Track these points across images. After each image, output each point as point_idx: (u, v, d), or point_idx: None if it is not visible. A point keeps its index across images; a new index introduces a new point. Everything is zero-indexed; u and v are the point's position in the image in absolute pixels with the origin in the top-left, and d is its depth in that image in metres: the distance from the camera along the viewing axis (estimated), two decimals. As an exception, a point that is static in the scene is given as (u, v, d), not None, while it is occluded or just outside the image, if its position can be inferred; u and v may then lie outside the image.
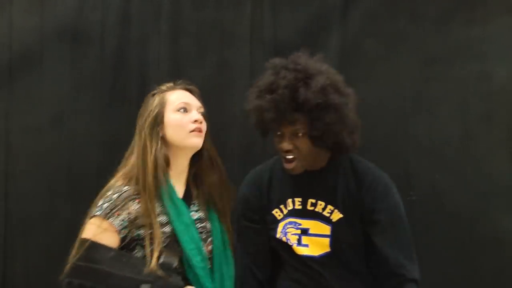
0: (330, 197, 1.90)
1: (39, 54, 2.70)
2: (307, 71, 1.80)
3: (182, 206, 1.92)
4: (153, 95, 2.01)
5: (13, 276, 2.67)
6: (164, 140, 1.94)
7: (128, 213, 1.87)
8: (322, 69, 1.83)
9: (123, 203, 1.89)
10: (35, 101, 2.70)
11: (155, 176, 1.88)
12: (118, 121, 2.65)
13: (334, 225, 1.89)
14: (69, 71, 2.69)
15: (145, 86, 2.64)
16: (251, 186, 2.02)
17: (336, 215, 1.89)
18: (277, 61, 1.88)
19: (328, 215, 1.90)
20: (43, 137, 2.68)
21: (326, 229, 1.89)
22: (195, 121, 1.94)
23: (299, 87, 1.76)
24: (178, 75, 2.60)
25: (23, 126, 2.70)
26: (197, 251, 1.89)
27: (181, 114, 1.95)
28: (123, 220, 1.87)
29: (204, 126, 1.97)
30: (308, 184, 1.93)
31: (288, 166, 1.87)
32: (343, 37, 2.50)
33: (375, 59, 2.48)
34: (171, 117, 1.95)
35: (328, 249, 1.89)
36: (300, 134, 1.81)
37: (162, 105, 1.97)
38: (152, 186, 1.88)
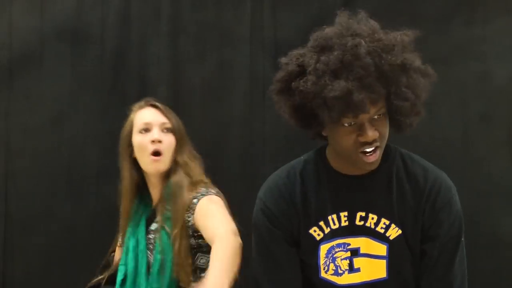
0: (383, 208, 1.53)
1: (39, 54, 2.70)
2: (381, 38, 1.46)
3: (139, 228, 1.98)
4: (128, 116, 2.04)
5: (13, 276, 2.67)
6: (136, 162, 1.98)
7: None
8: (387, 32, 1.50)
9: None
10: (35, 101, 2.70)
11: (128, 200, 2.01)
12: (118, 121, 2.65)
13: (392, 244, 1.52)
14: (69, 71, 2.69)
15: (145, 86, 2.65)
16: (277, 193, 1.58)
17: (394, 232, 1.52)
18: (329, 31, 1.47)
19: (382, 230, 1.52)
20: (43, 137, 2.68)
21: (381, 249, 1.52)
22: (153, 141, 1.92)
23: (380, 51, 1.41)
24: (178, 75, 2.61)
25: (23, 126, 2.70)
26: (123, 269, 1.95)
27: (142, 135, 1.95)
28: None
29: (164, 145, 1.92)
30: (355, 193, 1.54)
31: (371, 158, 1.46)
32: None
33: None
34: (135, 139, 1.97)
35: (384, 275, 1.53)
36: (381, 115, 1.45)
37: (130, 126, 2.00)
38: (125, 208, 2.03)
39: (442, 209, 1.52)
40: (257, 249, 1.60)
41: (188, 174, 1.92)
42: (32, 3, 2.73)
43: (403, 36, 1.48)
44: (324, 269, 1.55)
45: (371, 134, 1.43)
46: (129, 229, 2.00)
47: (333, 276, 1.54)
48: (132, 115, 2.02)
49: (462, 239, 1.56)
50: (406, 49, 1.46)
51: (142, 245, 1.94)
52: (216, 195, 1.89)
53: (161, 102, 2.03)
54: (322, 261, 1.54)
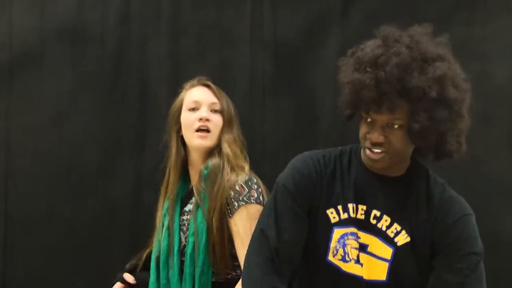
0: (399, 214, 1.56)
1: (39, 54, 2.70)
2: (425, 53, 1.47)
3: (175, 206, 1.97)
4: (179, 94, 2.04)
5: (13, 276, 2.67)
6: (183, 139, 1.99)
7: None
8: (443, 55, 1.51)
9: None
10: (35, 101, 2.70)
11: (174, 175, 1.98)
12: (118, 121, 2.65)
13: (398, 250, 1.54)
14: (69, 71, 2.69)
15: (145, 86, 2.65)
16: (311, 164, 1.63)
17: (402, 238, 1.55)
18: (388, 31, 1.52)
19: (392, 235, 1.55)
20: (43, 137, 2.68)
21: (387, 252, 1.55)
22: (200, 119, 1.92)
23: (413, 69, 1.43)
24: (178, 75, 2.61)
25: (23, 126, 2.70)
26: (158, 246, 1.94)
27: (190, 113, 1.96)
28: None
29: (212, 124, 1.93)
30: (377, 191, 1.58)
31: (373, 155, 1.52)
32: (343, 37, 2.50)
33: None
34: (183, 116, 1.98)
35: (383, 278, 1.55)
36: (397, 126, 1.48)
37: (180, 104, 2.00)
38: (169, 186, 1.99)
39: (451, 227, 1.54)
40: (272, 205, 1.61)
41: (228, 157, 1.90)
42: (32, 3, 2.73)
43: (451, 66, 1.51)
44: (332, 252, 1.56)
45: (376, 136, 1.49)
46: (165, 207, 1.99)
47: (340, 262, 1.56)
48: (183, 93, 2.02)
49: (480, 264, 1.54)
50: (444, 79, 1.47)
51: (176, 224, 1.93)
52: (255, 203, 1.85)
53: (213, 82, 2.04)
54: (333, 244, 1.56)
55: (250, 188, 1.86)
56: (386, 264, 1.54)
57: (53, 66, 2.70)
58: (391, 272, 1.53)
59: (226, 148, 1.91)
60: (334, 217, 1.58)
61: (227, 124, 1.96)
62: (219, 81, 2.59)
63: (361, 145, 1.58)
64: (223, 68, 2.60)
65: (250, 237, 1.65)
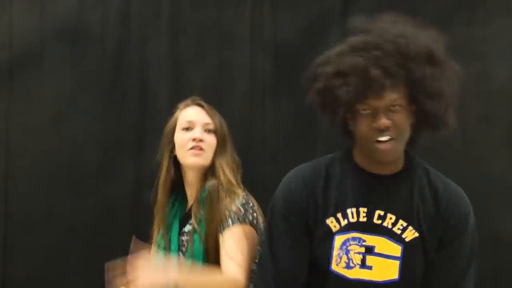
0: (403, 210, 1.54)
1: (39, 54, 2.70)
2: (409, 26, 1.54)
3: (172, 227, 1.96)
4: (173, 114, 2.03)
5: (13, 276, 2.67)
6: (176, 159, 1.97)
7: None
8: (419, 29, 1.55)
9: None
10: (35, 101, 2.70)
11: (163, 195, 1.97)
12: (118, 121, 2.65)
13: (407, 246, 1.53)
14: (69, 71, 2.69)
15: (145, 86, 2.65)
16: (300, 180, 1.61)
17: (410, 234, 1.54)
18: (362, 22, 1.60)
19: (399, 232, 1.53)
20: (43, 137, 2.68)
21: (396, 250, 1.53)
22: (194, 139, 1.91)
23: (406, 40, 1.47)
24: (178, 75, 2.61)
25: (23, 126, 2.70)
26: None
27: (184, 133, 1.95)
28: None
29: (206, 144, 1.92)
30: (377, 191, 1.57)
31: (385, 146, 1.49)
32: (343, 37, 2.49)
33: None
34: (177, 136, 1.97)
35: (395, 276, 1.52)
36: (398, 107, 1.48)
37: (174, 124, 2.00)
38: (159, 205, 1.98)
39: (459, 221, 1.55)
40: (267, 233, 1.63)
41: (220, 178, 1.89)
42: (32, 3, 2.73)
43: (434, 35, 1.55)
44: (336, 261, 1.54)
45: (384, 121, 1.46)
46: (161, 228, 1.98)
47: (344, 270, 1.54)
48: (177, 113, 2.01)
49: (474, 260, 1.57)
50: (435, 45, 1.51)
51: (174, 245, 1.93)
52: (249, 225, 1.83)
53: (206, 102, 2.03)
54: (335, 252, 1.54)
55: (246, 210, 1.85)
56: (397, 262, 1.52)
57: (53, 66, 2.70)
58: (403, 269, 1.52)
59: (220, 173, 1.90)
60: (335, 226, 1.56)
61: (220, 144, 1.95)
62: (219, 81, 2.60)
63: (365, 141, 1.53)
64: (223, 68, 2.60)
65: (236, 254, 1.72)
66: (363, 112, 1.50)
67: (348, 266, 1.54)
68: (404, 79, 1.46)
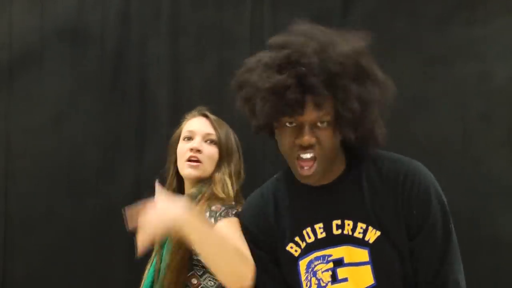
0: (357, 212, 1.46)
1: (39, 54, 2.71)
2: (330, 35, 1.42)
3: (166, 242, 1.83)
4: (180, 124, 2.00)
5: (13, 276, 2.67)
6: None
7: None
8: (343, 34, 1.44)
9: None
10: (35, 101, 2.70)
11: None
12: (118, 121, 2.65)
13: (373, 248, 1.44)
14: (69, 71, 2.69)
15: (145, 86, 2.65)
16: (255, 218, 1.57)
17: (372, 234, 1.45)
18: (280, 38, 1.49)
19: (360, 236, 1.45)
20: (43, 137, 2.69)
21: (363, 255, 1.45)
22: (191, 149, 1.85)
23: (330, 53, 1.36)
24: (178, 75, 2.62)
25: (23, 126, 2.70)
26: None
27: (184, 143, 1.90)
28: None
29: (204, 155, 1.85)
30: (326, 202, 1.49)
31: (306, 172, 1.43)
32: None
33: (375, 59, 2.48)
34: (178, 147, 1.92)
35: (371, 282, 1.44)
36: (325, 124, 1.40)
37: (179, 134, 1.96)
38: None
39: (421, 200, 1.44)
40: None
41: (210, 190, 1.79)
42: (32, 3, 2.73)
43: (359, 42, 1.42)
44: (306, 285, 1.49)
45: (307, 138, 1.38)
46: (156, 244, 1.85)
47: None
48: (183, 123, 1.97)
49: (452, 229, 1.47)
50: (361, 55, 1.40)
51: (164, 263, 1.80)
52: (236, 217, 1.68)
53: (212, 112, 1.97)
54: (303, 277, 1.49)
55: (227, 209, 1.71)
56: (368, 267, 1.44)
57: (53, 66, 2.70)
58: (376, 272, 1.44)
59: (212, 185, 1.81)
60: (295, 251, 1.50)
61: (222, 156, 1.87)
62: (219, 81, 2.60)
63: (287, 157, 1.46)
64: (223, 68, 2.60)
65: (238, 242, 1.55)
66: (288, 125, 1.42)
67: (319, 286, 1.47)
68: (330, 97, 1.37)
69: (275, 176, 1.63)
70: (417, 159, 2.46)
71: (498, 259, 2.31)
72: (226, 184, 1.82)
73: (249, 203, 1.62)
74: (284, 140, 1.44)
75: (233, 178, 1.86)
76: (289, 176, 1.55)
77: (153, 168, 2.38)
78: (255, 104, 1.42)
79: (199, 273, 1.74)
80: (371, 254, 1.44)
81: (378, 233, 1.44)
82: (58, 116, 2.68)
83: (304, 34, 1.43)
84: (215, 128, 1.91)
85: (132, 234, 1.57)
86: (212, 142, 1.89)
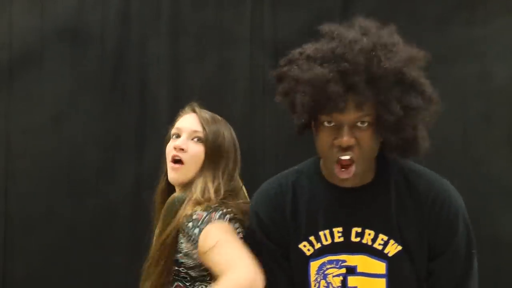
0: (381, 223, 1.40)
1: (39, 54, 2.70)
2: (383, 37, 1.35)
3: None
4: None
5: (13, 276, 2.67)
6: None
7: None
8: (398, 39, 1.37)
9: None
10: (35, 101, 2.70)
11: (157, 209, 1.75)
12: (118, 121, 2.65)
13: (392, 262, 1.39)
14: (69, 71, 2.69)
15: (145, 86, 2.65)
16: (269, 208, 1.47)
17: (393, 248, 1.39)
18: (328, 27, 1.39)
19: (380, 247, 1.40)
20: (43, 137, 2.69)
21: (380, 267, 1.40)
22: (174, 148, 1.68)
23: (378, 54, 1.30)
24: (178, 75, 2.62)
25: (23, 126, 2.70)
26: None
27: (172, 141, 1.73)
28: None
29: (188, 155, 1.66)
30: (350, 207, 1.42)
31: (345, 174, 1.35)
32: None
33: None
34: (167, 145, 1.76)
35: None
36: (365, 124, 1.32)
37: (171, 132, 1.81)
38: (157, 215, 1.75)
39: (448, 223, 1.41)
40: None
41: (197, 196, 1.61)
42: (32, 3, 2.73)
43: (413, 50, 1.37)
44: (315, 286, 1.43)
45: (346, 139, 1.31)
46: None
47: None
48: (176, 122, 1.81)
49: (474, 256, 1.44)
50: (411, 64, 1.34)
51: None
52: (218, 220, 1.53)
53: (205, 107, 1.82)
54: (312, 278, 1.43)
55: (210, 212, 1.55)
56: (383, 280, 1.40)
57: (53, 66, 2.70)
58: (390, 287, 1.39)
59: (192, 189, 1.63)
60: (308, 250, 1.44)
61: (209, 156, 1.67)
62: (219, 81, 2.61)
63: (325, 158, 1.40)
64: (223, 68, 2.60)
65: (229, 255, 1.42)
66: (327, 124, 1.34)
67: None
68: (371, 98, 1.30)
69: (295, 167, 1.55)
70: (417, 159, 2.47)
71: (498, 259, 2.32)
72: (208, 188, 1.63)
73: (265, 191, 1.51)
74: (322, 140, 1.37)
75: (221, 179, 1.68)
76: (314, 171, 1.49)
77: (153, 168, 2.37)
78: (295, 98, 1.35)
79: (187, 284, 1.60)
80: (388, 268, 1.39)
81: (399, 247, 1.39)
82: (58, 116, 2.68)
83: (359, 29, 1.36)
84: (202, 125, 1.72)
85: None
86: (199, 140, 1.70)
